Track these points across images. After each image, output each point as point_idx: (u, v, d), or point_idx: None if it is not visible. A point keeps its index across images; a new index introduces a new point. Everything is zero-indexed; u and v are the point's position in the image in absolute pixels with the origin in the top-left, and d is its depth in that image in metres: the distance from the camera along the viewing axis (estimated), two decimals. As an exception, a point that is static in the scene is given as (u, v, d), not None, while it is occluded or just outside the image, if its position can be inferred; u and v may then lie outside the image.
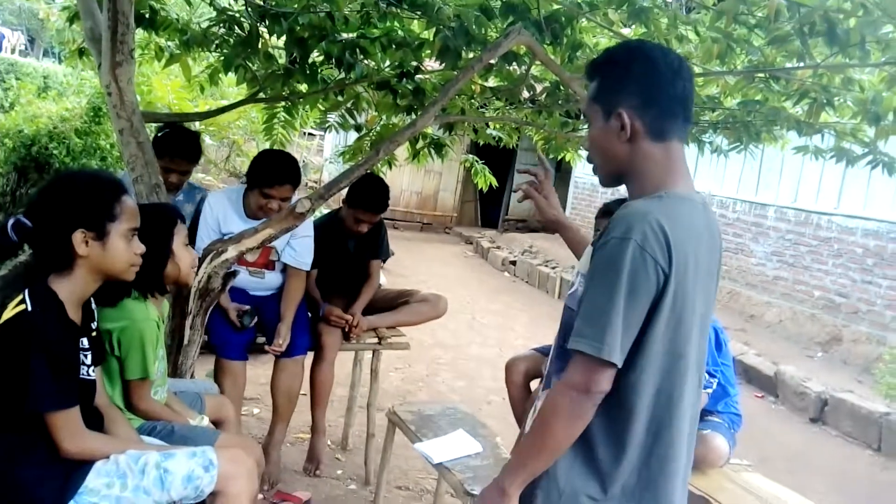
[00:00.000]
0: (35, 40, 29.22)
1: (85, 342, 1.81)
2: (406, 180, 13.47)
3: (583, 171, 12.13)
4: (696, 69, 3.14)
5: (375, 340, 3.60)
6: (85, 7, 2.81)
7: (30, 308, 1.68)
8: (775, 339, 7.49)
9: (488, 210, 14.62)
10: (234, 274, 2.81)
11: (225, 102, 6.68)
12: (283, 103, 4.10)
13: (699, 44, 2.99)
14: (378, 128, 4.52)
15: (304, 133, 12.00)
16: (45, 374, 1.64)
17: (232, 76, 4.25)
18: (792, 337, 7.47)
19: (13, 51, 24.40)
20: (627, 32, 3.25)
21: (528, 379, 3.25)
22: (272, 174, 3.13)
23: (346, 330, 3.46)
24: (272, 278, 3.35)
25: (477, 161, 4.98)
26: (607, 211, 3.06)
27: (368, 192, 3.52)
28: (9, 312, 1.69)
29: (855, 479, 4.66)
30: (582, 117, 4.25)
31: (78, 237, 1.75)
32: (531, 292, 9.63)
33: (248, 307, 3.14)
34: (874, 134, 3.24)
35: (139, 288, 2.09)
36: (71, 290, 1.77)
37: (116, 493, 1.77)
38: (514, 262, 10.69)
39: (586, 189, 12.16)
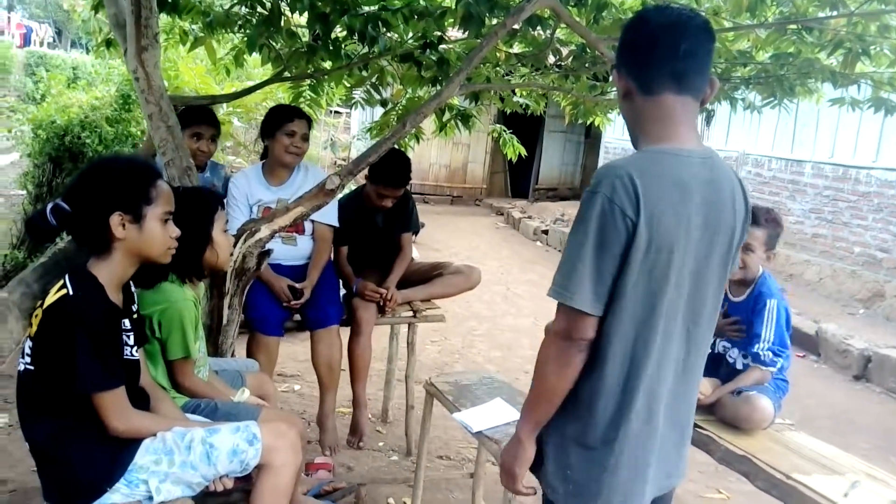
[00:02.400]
0: (62, 32, 29.63)
1: (127, 323, 1.85)
2: (434, 154, 13.44)
3: (612, 136, 11.97)
4: (726, 23, 3.07)
5: (411, 314, 3.61)
6: (108, -6, 2.83)
7: (71, 292, 1.72)
8: (816, 297, 7.37)
9: (518, 180, 14.52)
10: (268, 253, 2.84)
11: (251, 83, 6.71)
12: (308, 81, 4.10)
13: (728, -3, 2.91)
14: (404, 101, 4.50)
15: (331, 111, 11.99)
16: (90, 356, 1.68)
17: (256, 57, 4.29)
18: (832, 295, 7.34)
19: (42, 43, 24.81)
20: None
21: None
22: (289, 112, 3.43)
23: (381, 304, 3.48)
24: (304, 244, 3.41)
25: (505, 131, 4.94)
26: None
27: (388, 167, 3.52)
28: (51, 297, 1.73)
29: (900, 436, 4.59)
30: (612, 80, 4.17)
31: (115, 220, 1.78)
32: (564, 261, 9.58)
33: (298, 285, 3.21)
34: (915, 82, 3.14)
35: (178, 273, 2.12)
36: (110, 272, 1.81)
37: (165, 469, 1.81)
38: (545, 232, 10.63)
39: (617, 154, 11.99)
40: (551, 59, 3.83)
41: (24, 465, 3.01)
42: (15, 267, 4.88)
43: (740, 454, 2.43)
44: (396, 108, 4.58)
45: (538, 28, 3.35)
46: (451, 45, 3.69)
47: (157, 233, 1.85)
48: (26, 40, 23.49)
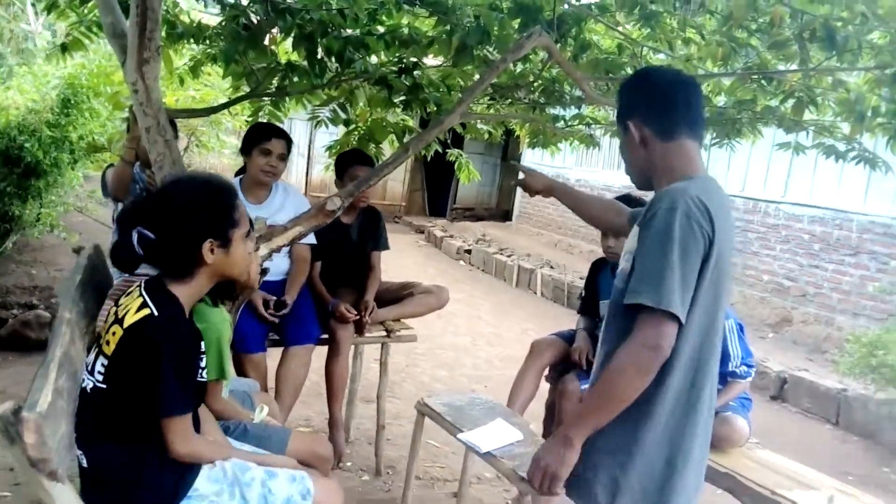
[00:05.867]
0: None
1: (202, 345, 1.81)
2: (354, 170, 13.40)
3: (531, 161, 12.34)
4: (699, 71, 3.30)
5: (384, 334, 3.65)
6: (105, 3, 2.75)
7: (156, 312, 1.67)
8: (727, 321, 7.84)
9: (435, 199, 14.71)
10: (265, 271, 2.82)
11: (192, 93, 6.56)
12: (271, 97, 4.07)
13: (704, 46, 3.14)
14: (368, 122, 4.53)
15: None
16: (174, 381, 1.64)
17: (216, 69, 4.22)
18: (744, 319, 7.76)
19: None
20: (631, 30, 3.38)
21: (550, 364, 3.38)
22: (267, 130, 3.43)
23: (358, 323, 3.51)
24: (277, 261, 3.39)
25: (461, 155, 5.05)
26: (626, 198, 3.22)
27: (350, 152, 3.88)
28: (132, 317, 1.67)
29: (821, 452, 4.97)
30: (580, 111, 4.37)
31: (206, 247, 1.76)
32: (489, 280, 9.78)
33: (274, 297, 3.19)
34: (849, 130, 3.47)
35: (212, 294, 2.08)
36: (189, 294, 1.78)
37: (225, 501, 1.78)
38: (468, 251, 10.81)
39: (536, 178, 12.36)
40: (521, 93, 3.99)
41: None
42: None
43: (724, 472, 2.61)
44: (358, 129, 4.61)
45: (520, 63, 3.50)
46: (424, 71, 3.78)
47: (241, 254, 1.83)
48: None
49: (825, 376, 5.94)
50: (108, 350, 1.68)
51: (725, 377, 2.97)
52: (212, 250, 1.76)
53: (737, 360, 2.94)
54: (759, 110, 3.45)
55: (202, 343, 1.81)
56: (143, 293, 1.71)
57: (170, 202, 1.79)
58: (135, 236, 1.72)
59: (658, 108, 1.76)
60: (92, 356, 1.75)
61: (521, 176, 2.54)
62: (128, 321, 1.67)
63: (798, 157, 4.03)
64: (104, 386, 1.69)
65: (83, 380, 1.75)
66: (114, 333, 1.68)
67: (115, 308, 1.75)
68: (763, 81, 3.36)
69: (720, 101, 3.77)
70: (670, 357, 1.59)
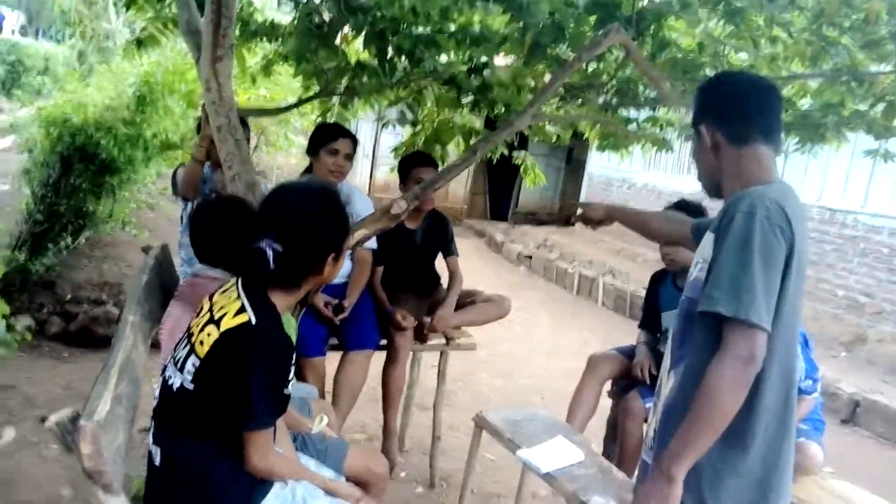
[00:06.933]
0: (32, 20, 28.82)
1: (293, 356, 1.77)
2: (417, 172, 13.39)
3: (597, 165, 12.14)
4: (784, 72, 3.13)
5: (443, 341, 3.58)
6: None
7: (254, 321, 1.63)
8: (799, 337, 7.51)
9: (497, 202, 14.58)
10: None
11: (263, 92, 6.63)
12: (340, 98, 4.05)
13: (791, 45, 2.97)
14: (434, 124, 4.47)
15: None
16: (263, 393, 1.61)
17: (287, 68, 4.22)
18: (814, 336, 7.45)
19: (13, 31, 24.13)
20: (714, 27, 3.23)
21: (610, 379, 3.26)
22: (334, 130, 3.39)
23: (418, 329, 3.45)
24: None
25: (529, 156, 4.95)
26: (681, 205, 3.09)
27: (414, 154, 3.83)
28: (229, 321, 1.63)
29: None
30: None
31: (328, 260, 1.76)
32: (549, 288, 9.61)
33: (336, 300, 3.15)
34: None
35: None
36: (287, 303, 1.75)
37: None
38: (529, 257, 10.67)
39: (601, 182, 12.17)
40: (593, 93, 3.87)
41: (45, 489, 2.90)
42: (16, 270, 4.70)
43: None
44: (424, 130, 4.56)
45: (594, 62, 3.39)
46: (494, 71, 3.70)
47: (342, 262, 1.82)
48: (-2, 27, 22.87)
49: (904, 399, 5.62)
50: (201, 351, 1.64)
51: None
52: (329, 263, 1.75)
53: (802, 374, 2.74)
54: (847, 114, 3.25)
55: (293, 354, 1.77)
56: (243, 296, 1.67)
57: (300, 216, 1.72)
58: (270, 252, 1.66)
59: (731, 112, 1.71)
60: (183, 352, 1.71)
61: (579, 212, 2.53)
62: (224, 325, 1.63)
63: (880, 166, 3.82)
64: (192, 386, 1.65)
65: (169, 376, 1.72)
66: (209, 335, 1.64)
67: (209, 305, 1.72)
68: (853, 83, 3.17)
69: (804, 103, 3.58)
70: (762, 371, 1.51)
